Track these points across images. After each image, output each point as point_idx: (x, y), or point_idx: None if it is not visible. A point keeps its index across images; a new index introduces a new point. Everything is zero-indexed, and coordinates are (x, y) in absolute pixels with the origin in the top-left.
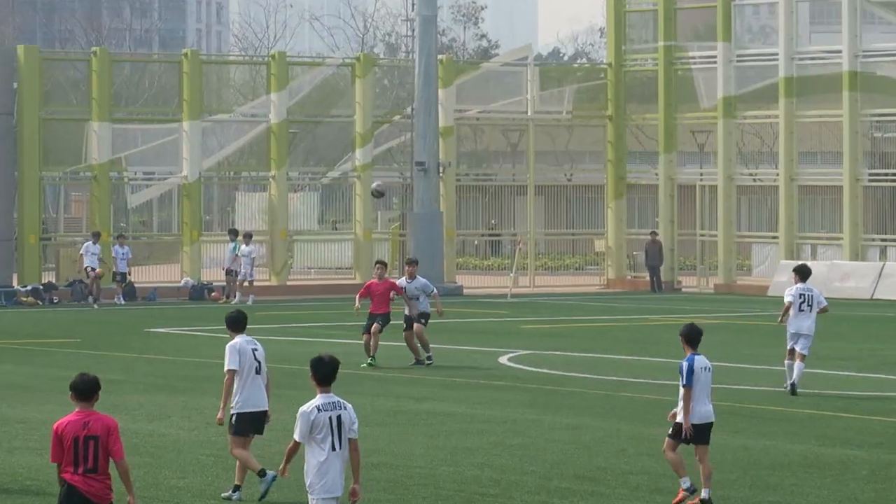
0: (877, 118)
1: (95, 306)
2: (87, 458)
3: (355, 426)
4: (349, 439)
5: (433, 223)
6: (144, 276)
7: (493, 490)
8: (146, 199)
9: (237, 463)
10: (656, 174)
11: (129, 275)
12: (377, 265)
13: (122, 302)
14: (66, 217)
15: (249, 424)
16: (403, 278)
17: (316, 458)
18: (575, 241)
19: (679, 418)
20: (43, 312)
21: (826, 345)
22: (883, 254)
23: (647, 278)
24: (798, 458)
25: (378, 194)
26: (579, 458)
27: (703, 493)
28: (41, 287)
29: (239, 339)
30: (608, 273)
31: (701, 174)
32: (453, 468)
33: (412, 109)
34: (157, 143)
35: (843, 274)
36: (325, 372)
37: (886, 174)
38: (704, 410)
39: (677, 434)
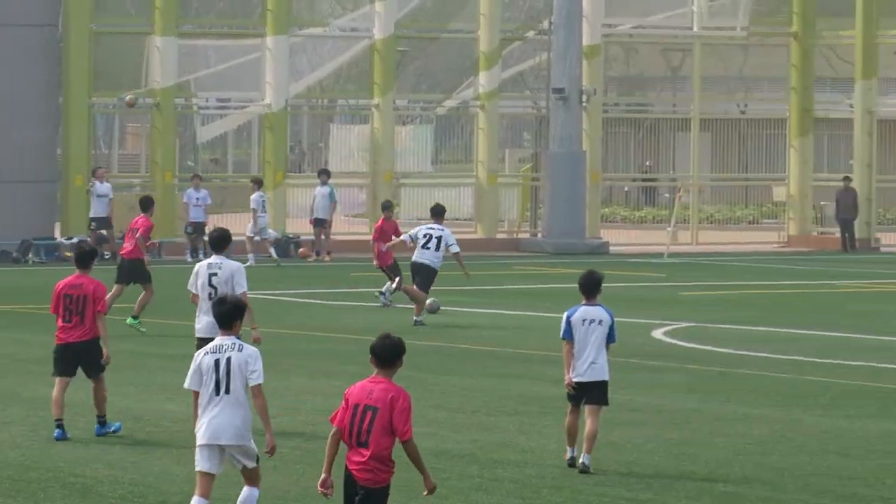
0: None
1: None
2: (360, 431)
3: (255, 371)
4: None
5: (574, 165)
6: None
7: (644, 494)
8: (219, 132)
9: None
10: (851, 106)
11: (207, 225)
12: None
13: (191, 259)
14: (121, 154)
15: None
16: None
17: (201, 404)
18: (749, 189)
19: None
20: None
21: None
22: None
23: (838, 235)
24: None
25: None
26: (751, 457)
27: None
28: (88, 239)
29: (208, 259)
30: (789, 228)
31: None
32: (594, 467)
33: (550, 23)
34: (233, 63)
35: None
36: (219, 312)
37: None
38: None
39: None
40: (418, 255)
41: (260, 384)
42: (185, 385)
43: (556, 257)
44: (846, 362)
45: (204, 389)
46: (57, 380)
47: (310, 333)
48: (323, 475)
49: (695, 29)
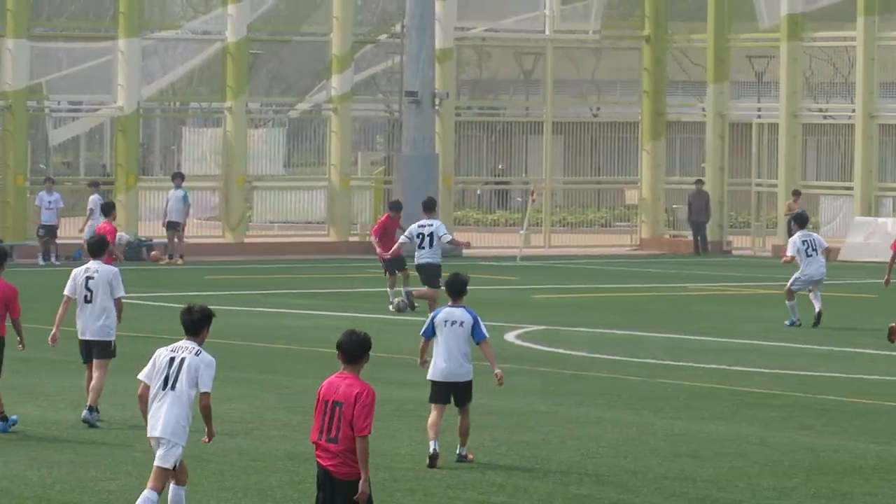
0: None
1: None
2: (329, 426)
3: (203, 379)
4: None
5: (426, 168)
6: (68, 230)
7: (497, 497)
8: (72, 134)
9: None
10: (703, 109)
11: (59, 228)
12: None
13: (43, 263)
14: None
15: (83, 352)
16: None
17: (150, 397)
18: (601, 192)
19: None
20: None
21: None
22: None
23: (690, 238)
24: (875, 461)
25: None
26: (603, 459)
27: None
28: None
29: (84, 264)
30: (642, 231)
31: (759, 110)
32: (447, 470)
33: (402, 27)
34: (85, 65)
35: None
36: (187, 321)
37: None
38: None
39: None
40: (417, 257)
41: (207, 392)
42: (139, 376)
43: (408, 260)
44: (698, 365)
45: (154, 383)
46: None
47: (160, 337)
48: None
49: (547, 32)
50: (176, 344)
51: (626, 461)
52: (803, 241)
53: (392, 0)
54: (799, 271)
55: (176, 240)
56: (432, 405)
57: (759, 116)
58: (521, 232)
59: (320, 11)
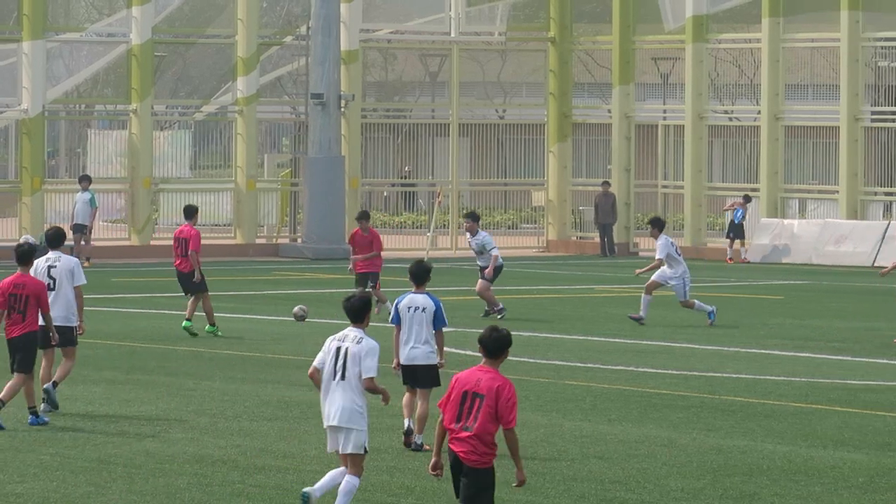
0: (882, 43)
1: None
2: (468, 416)
3: (366, 364)
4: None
5: (332, 170)
6: None
7: (406, 500)
8: None
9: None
10: (609, 111)
11: None
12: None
13: None
14: None
15: (41, 339)
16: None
17: (323, 387)
18: (508, 194)
19: None
20: None
21: (817, 323)
22: (887, 211)
23: (597, 239)
24: (782, 461)
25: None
26: (510, 461)
27: None
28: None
29: (46, 255)
30: (548, 233)
31: (664, 111)
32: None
33: (308, 29)
34: None
35: (838, 235)
36: (350, 308)
37: (893, 113)
38: None
39: None
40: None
41: (371, 377)
42: (314, 363)
43: (315, 262)
44: (606, 366)
45: (326, 373)
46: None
47: None
48: (434, 458)
49: (452, 34)
50: (342, 332)
51: (535, 463)
52: (672, 244)
53: (297, 2)
54: (681, 271)
55: (83, 242)
56: (405, 387)
57: (664, 118)
58: (428, 234)
59: (225, 13)
